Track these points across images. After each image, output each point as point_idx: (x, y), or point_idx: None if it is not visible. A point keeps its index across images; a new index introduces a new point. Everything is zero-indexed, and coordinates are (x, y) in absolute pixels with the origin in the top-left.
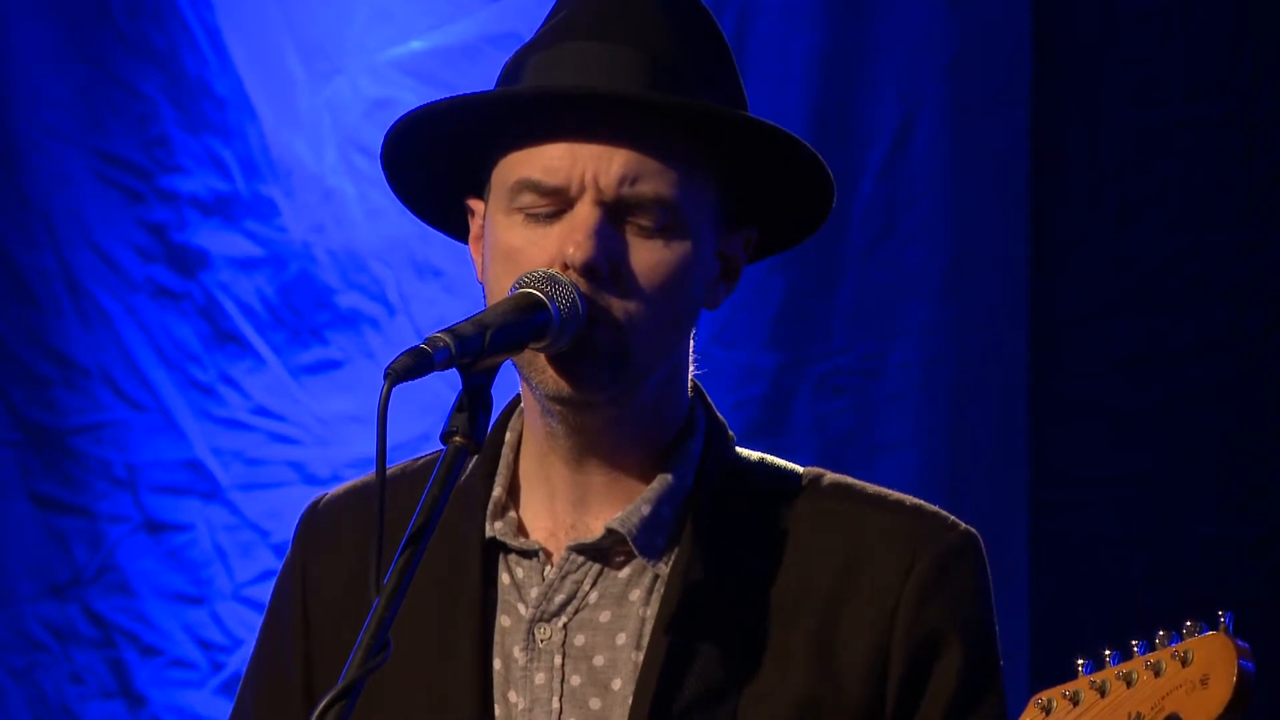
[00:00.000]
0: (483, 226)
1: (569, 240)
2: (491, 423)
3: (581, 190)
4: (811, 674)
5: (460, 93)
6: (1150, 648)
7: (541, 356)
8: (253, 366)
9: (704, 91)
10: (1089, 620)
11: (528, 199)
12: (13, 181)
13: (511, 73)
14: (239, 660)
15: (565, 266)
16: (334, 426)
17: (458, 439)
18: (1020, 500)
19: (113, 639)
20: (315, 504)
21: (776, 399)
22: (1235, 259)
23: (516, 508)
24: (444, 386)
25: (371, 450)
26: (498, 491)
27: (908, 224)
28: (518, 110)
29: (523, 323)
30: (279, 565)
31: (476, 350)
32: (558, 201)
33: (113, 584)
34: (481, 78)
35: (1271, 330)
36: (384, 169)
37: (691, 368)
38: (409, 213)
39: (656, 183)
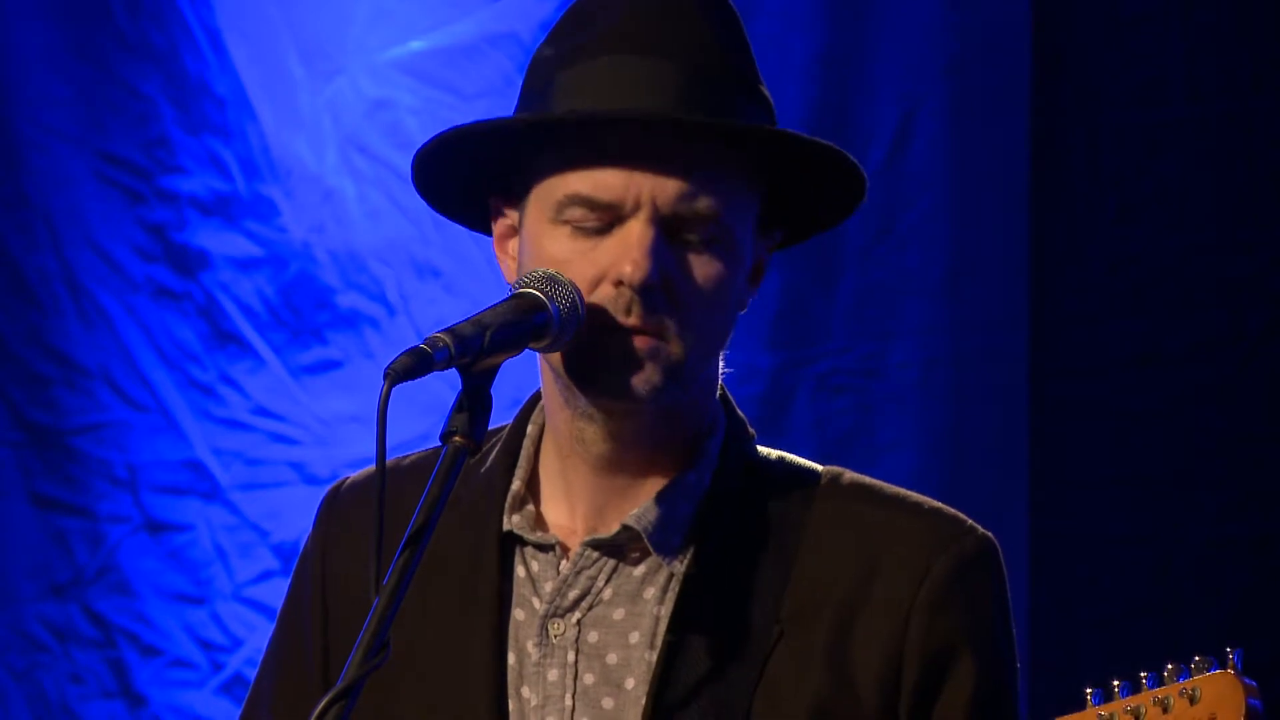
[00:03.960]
0: (511, 228)
1: (625, 259)
2: (512, 418)
3: (636, 208)
4: (825, 679)
5: (493, 116)
6: (1159, 682)
7: (591, 361)
8: (253, 366)
9: (745, 101)
10: (1089, 620)
11: (577, 213)
12: (13, 181)
13: (541, 89)
14: (239, 660)
15: (619, 282)
16: (334, 426)
17: (457, 439)
18: (1020, 500)
19: (113, 639)
20: (338, 487)
21: (776, 399)
22: (1235, 259)
23: (535, 501)
24: (444, 386)
25: (371, 450)
26: (516, 485)
27: (907, 224)
28: (562, 133)
29: (522, 323)
30: (279, 565)
31: (476, 350)
32: (608, 216)
33: (113, 584)
34: (481, 78)
35: (1271, 330)
36: (414, 180)
37: (721, 372)
38: (407, 211)
39: (709, 200)
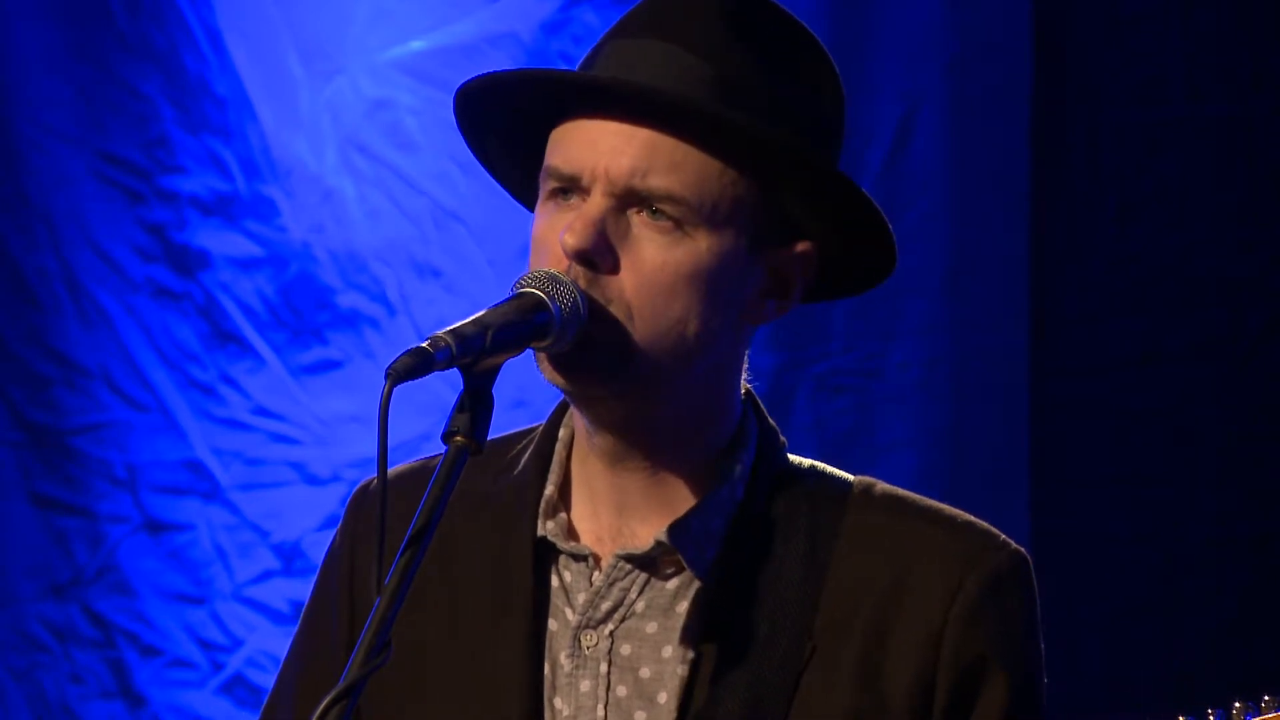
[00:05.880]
0: None
1: (569, 228)
2: (512, 420)
3: (594, 180)
4: (858, 693)
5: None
6: (1227, 718)
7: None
8: (253, 366)
9: (759, 112)
10: (1089, 620)
11: (553, 186)
12: (13, 181)
13: (586, 60)
14: (239, 660)
15: (566, 254)
16: (334, 426)
17: (459, 439)
18: (1020, 500)
19: (113, 639)
20: (366, 485)
21: (776, 399)
22: (1235, 259)
23: (568, 508)
24: (444, 386)
25: (372, 450)
26: (549, 491)
27: (908, 224)
28: (556, 96)
29: (524, 322)
30: (279, 565)
31: (478, 350)
32: (578, 190)
33: (113, 584)
34: None
35: (1271, 330)
36: (468, 142)
37: (744, 378)
38: (407, 211)
39: (668, 179)
